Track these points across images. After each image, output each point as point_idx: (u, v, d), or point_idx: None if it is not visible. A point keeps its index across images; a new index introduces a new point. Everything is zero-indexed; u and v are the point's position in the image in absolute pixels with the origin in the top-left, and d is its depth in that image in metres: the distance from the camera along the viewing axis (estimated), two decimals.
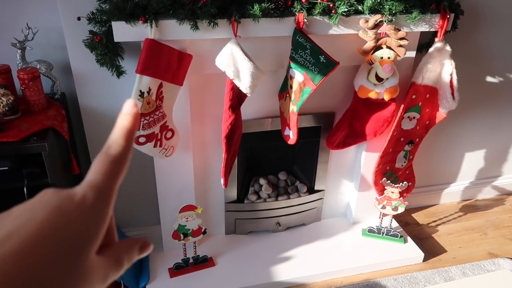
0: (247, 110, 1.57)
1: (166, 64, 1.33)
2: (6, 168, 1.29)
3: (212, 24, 1.31)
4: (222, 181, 1.60)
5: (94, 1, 1.30)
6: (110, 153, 0.26)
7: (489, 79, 1.99)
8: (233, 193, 1.83)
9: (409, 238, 1.94)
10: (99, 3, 1.30)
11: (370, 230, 1.94)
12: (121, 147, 0.26)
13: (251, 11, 1.31)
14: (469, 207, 2.29)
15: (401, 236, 1.91)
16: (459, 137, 2.12)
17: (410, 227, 2.09)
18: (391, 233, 1.92)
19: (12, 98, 1.32)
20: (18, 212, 0.23)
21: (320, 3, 1.37)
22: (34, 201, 0.24)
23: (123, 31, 1.28)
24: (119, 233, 1.81)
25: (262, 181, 1.93)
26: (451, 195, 2.30)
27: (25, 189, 1.28)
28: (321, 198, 1.97)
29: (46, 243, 0.21)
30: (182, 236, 1.65)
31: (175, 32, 1.32)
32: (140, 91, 1.32)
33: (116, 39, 1.29)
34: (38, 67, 1.44)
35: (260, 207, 1.88)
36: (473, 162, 2.24)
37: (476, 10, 1.75)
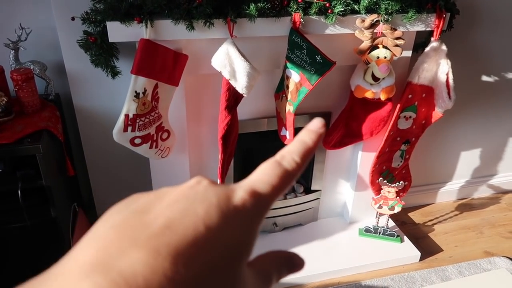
0: (243, 111, 1.56)
1: (162, 64, 1.32)
2: (0, 170, 1.28)
3: (207, 24, 1.30)
4: (218, 182, 1.59)
5: (88, 1, 1.29)
6: (284, 166, 0.24)
7: (485, 78, 1.99)
8: None
9: (405, 238, 1.94)
10: (93, 3, 1.29)
11: (367, 230, 1.94)
12: (296, 164, 0.24)
13: (247, 11, 1.30)
14: (465, 206, 2.30)
15: (397, 236, 1.92)
16: (455, 136, 2.12)
17: (406, 226, 2.10)
18: (388, 232, 1.92)
19: (5, 100, 1.30)
20: (171, 197, 0.21)
21: (316, 3, 1.37)
22: (188, 189, 0.21)
23: (118, 31, 1.26)
24: None
25: None
26: (447, 194, 2.31)
27: (19, 191, 1.26)
28: (317, 198, 1.97)
29: (205, 246, 0.19)
30: None
31: (171, 32, 1.31)
32: (136, 91, 1.30)
33: (111, 40, 1.28)
34: (31, 67, 1.43)
35: None
36: (469, 161, 2.25)
37: (471, 9, 1.76)
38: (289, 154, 0.24)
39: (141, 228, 0.19)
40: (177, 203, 0.20)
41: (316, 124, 0.26)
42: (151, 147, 1.43)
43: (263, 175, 0.23)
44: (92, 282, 0.16)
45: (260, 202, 0.22)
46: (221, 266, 0.19)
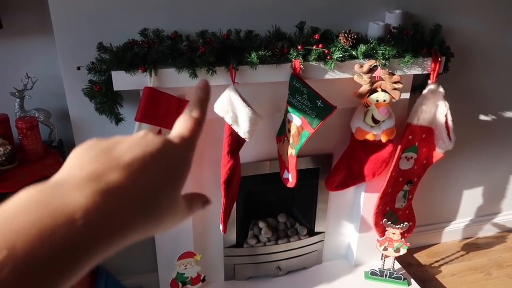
0: (245, 153, 1.57)
1: (165, 111, 1.34)
2: None
3: (210, 71, 1.33)
4: (221, 227, 1.57)
5: (93, 50, 1.33)
6: (193, 115, 0.33)
7: (483, 117, 2.02)
8: (232, 237, 1.80)
9: (412, 281, 1.89)
10: (99, 53, 1.33)
11: (373, 273, 1.90)
12: (200, 112, 0.34)
13: (249, 59, 1.34)
14: (471, 246, 2.26)
15: (404, 279, 1.87)
16: (457, 175, 2.12)
17: (412, 268, 2.05)
18: (394, 275, 1.87)
19: (9, 148, 1.31)
20: (129, 143, 0.29)
21: (315, 50, 1.41)
22: (140, 138, 0.30)
23: (123, 80, 1.29)
24: (114, 282, 1.73)
25: (261, 224, 1.90)
26: (452, 234, 2.28)
27: None
28: (321, 240, 1.94)
29: (158, 169, 0.28)
30: (180, 285, 1.60)
31: (174, 80, 1.34)
32: None
33: (115, 88, 1.30)
34: (36, 115, 1.45)
35: (260, 251, 1.84)
36: (471, 199, 2.23)
37: (465, 52, 1.81)
38: (194, 107, 0.34)
39: (116, 159, 0.27)
40: (134, 147, 0.29)
41: (201, 84, 0.36)
42: None
43: (183, 126, 0.33)
44: (90, 186, 0.24)
45: (187, 142, 0.32)
46: (170, 184, 0.29)
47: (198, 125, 0.33)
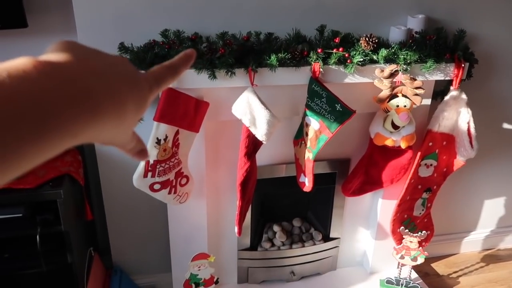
0: (261, 156, 1.56)
1: (183, 111, 1.35)
2: (20, 214, 1.28)
3: (229, 73, 1.33)
4: (236, 229, 1.56)
5: (115, 50, 1.34)
6: (166, 64, 0.37)
7: (506, 125, 1.97)
8: (246, 240, 1.79)
9: None
10: (120, 53, 1.34)
11: (389, 281, 1.86)
12: (175, 67, 0.38)
13: (268, 61, 1.33)
14: (491, 257, 2.20)
15: None
16: (478, 184, 2.07)
17: (430, 278, 2.01)
18: (411, 285, 1.84)
19: None
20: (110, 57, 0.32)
21: (335, 53, 1.40)
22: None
23: None
24: (128, 281, 1.74)
25: (276, 228, 1.88)
26: (472, 244, 2.22)
27: (37, 236, 1.26)
28: (336, 246, 1.91)
29: (108, 68, 0.30)
30: (193, 286, 1.60)
31: (193, 80, 1.34)
32: (157, 138, 1.32)
33: None
34: None
35: (274, 255, 1.83)
36: (493, 209, 2.17)
37: (490, 59, 1.76)
38: (173, 62, 0.38)
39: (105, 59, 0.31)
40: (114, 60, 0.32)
41: (190, 51, 0.39)
42: (169, 192, 1.43)
43: (155, 67, 0.37)
44: (35, 59, 0.25)
45: (150, 74, 0.35)
46: (114, 82, 0.30)
47: (170, 71, 0.37)
